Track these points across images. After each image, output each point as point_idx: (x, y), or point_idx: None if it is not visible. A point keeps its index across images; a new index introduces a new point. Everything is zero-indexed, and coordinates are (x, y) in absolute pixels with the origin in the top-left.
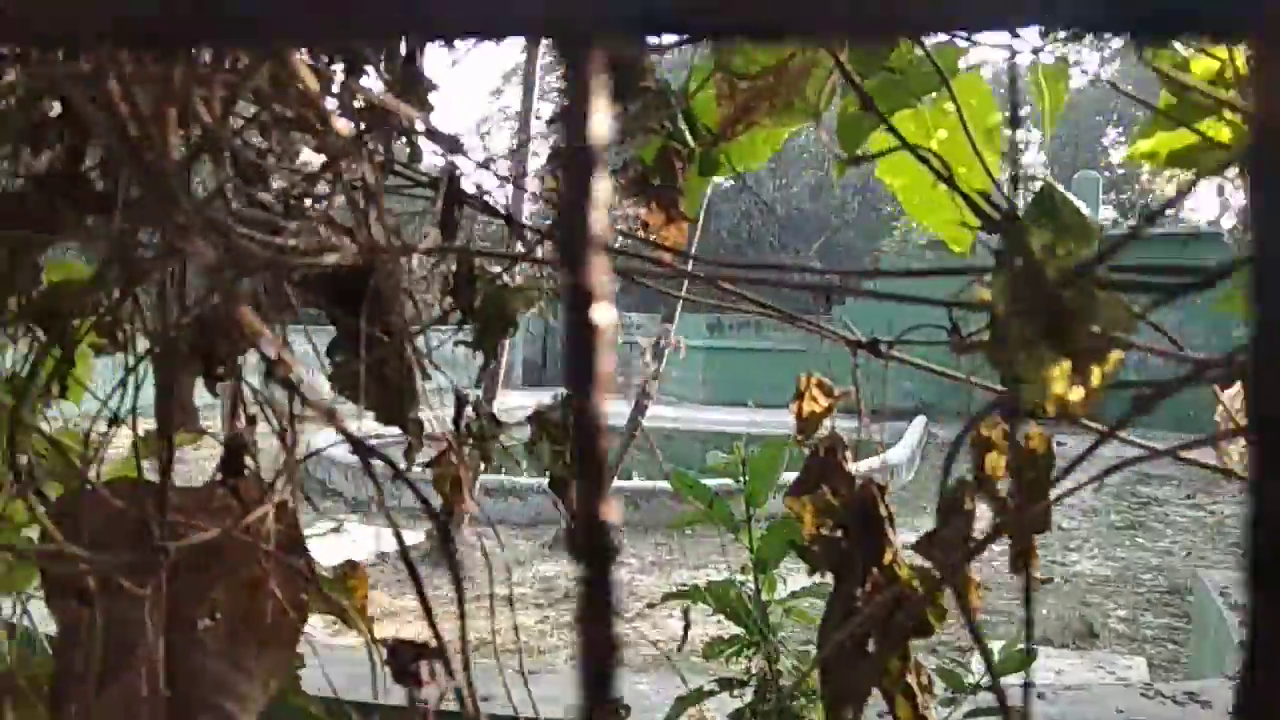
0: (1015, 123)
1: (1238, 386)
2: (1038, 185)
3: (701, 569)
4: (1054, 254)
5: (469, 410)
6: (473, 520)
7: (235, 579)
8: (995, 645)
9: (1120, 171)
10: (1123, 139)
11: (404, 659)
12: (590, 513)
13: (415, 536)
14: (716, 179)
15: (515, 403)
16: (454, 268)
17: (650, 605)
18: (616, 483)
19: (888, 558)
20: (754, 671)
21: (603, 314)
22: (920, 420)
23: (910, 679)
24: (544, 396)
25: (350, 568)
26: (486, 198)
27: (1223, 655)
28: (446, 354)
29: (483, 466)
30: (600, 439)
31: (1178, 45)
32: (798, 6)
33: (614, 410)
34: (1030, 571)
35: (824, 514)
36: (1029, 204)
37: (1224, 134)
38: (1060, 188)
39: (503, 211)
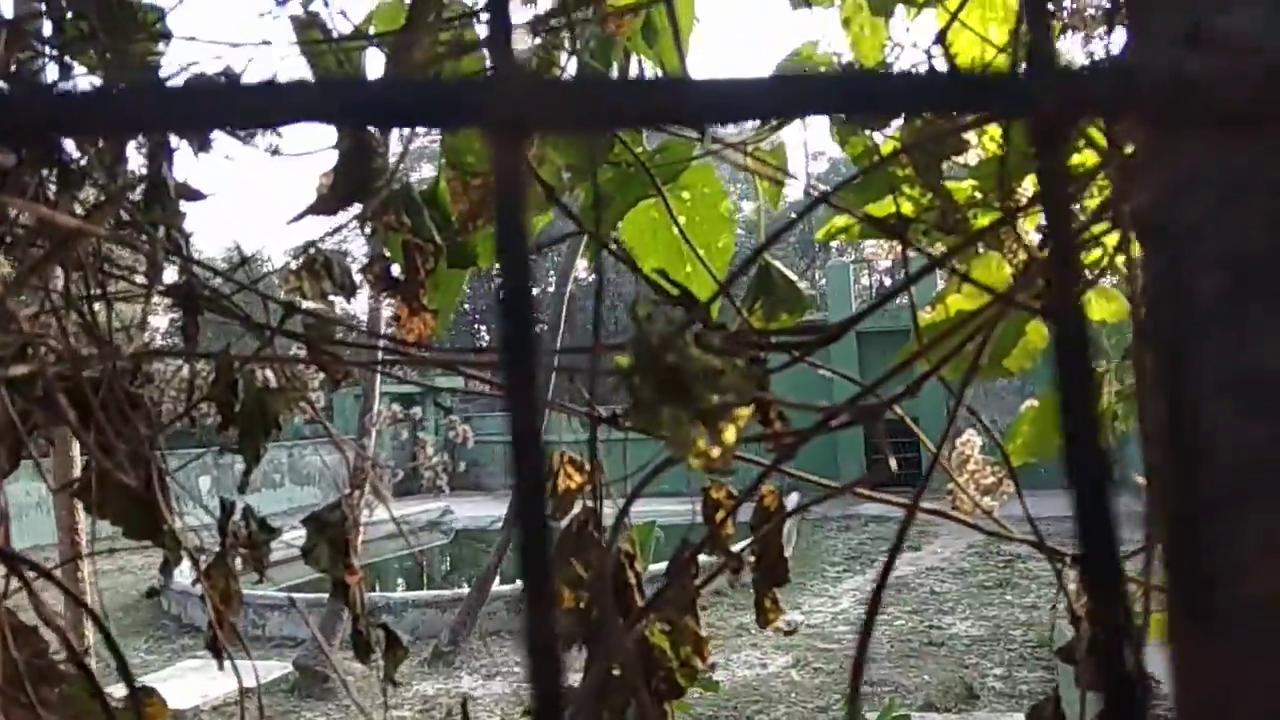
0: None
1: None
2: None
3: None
4: (657, 321)
5: (238, 519)
6: (344, 641)
7: None
8: (872, 715)
9: (869, 253)
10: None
11: None
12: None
13: (282, 667)
14: (579, 275)
15: (384, 514)
16: (213, 373)
17: (528, 713)
18: (497, 586)
19: (637, 625)
20: None
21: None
22: (794, 495)
23: None
24: (414, 506)
25: (145, 694)
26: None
27: (1089, 703)
28: (315, 464)
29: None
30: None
31: (868, 131)
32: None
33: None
34: (775, 624)
35: (574, 587)
36: (750, 279)
37: (906, 206)
38: (778, 265)
39: (243, 315)
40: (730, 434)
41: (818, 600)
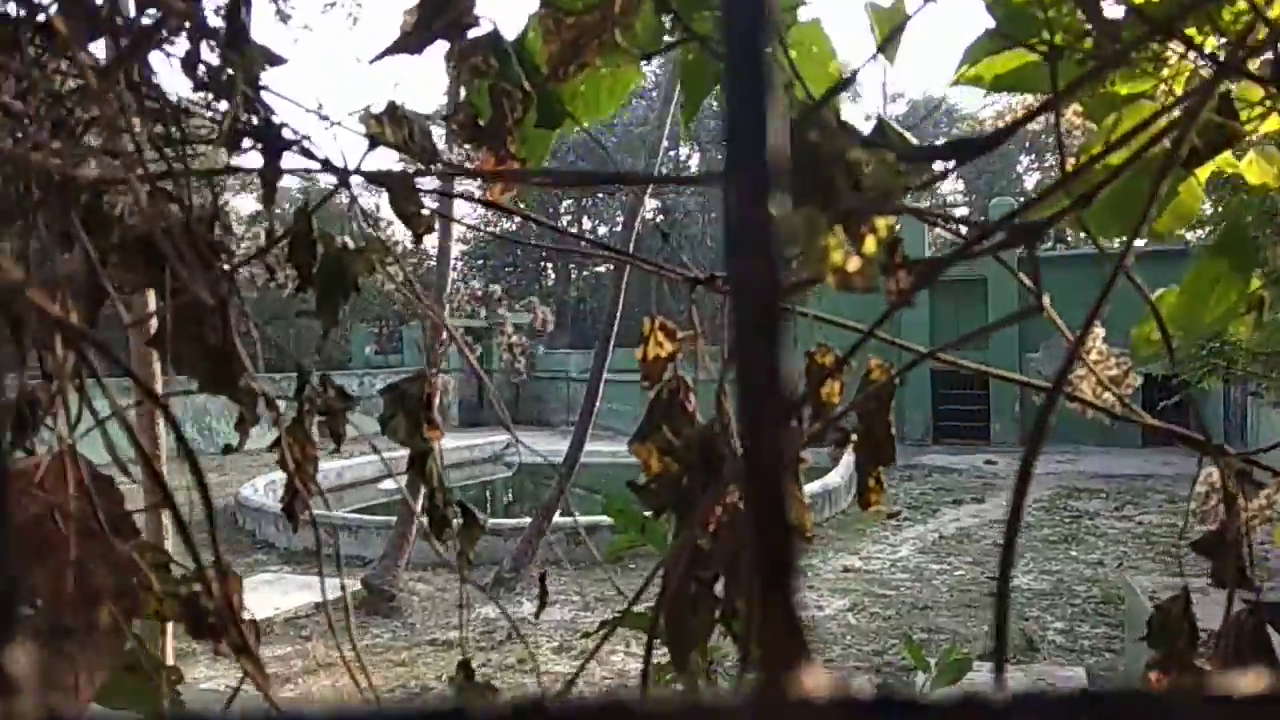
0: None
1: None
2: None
3: (647, 602)
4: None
5: (315, 385)
6: (411, 564)
7: (52, 560)
8: (932, 661)
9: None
10: (1035, 165)
11: None
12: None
13: (351, 584)
14: (646, 214)
15: (452, 444)
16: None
17: (586, 635)
18: (558, 518)
19: (731, 496)
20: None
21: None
22: (847, 458)
23: None
24: (479, 438)
25: (224, 573)
26: (309, 144)
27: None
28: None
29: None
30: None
31: None
32: None
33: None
34: (880, 507)
35: (666, 454)
36: (869, 134)
37: (1057, 39)
38: (893, 124)
39: (323, 158)
40: (871, 244)
41: (876, 547)
